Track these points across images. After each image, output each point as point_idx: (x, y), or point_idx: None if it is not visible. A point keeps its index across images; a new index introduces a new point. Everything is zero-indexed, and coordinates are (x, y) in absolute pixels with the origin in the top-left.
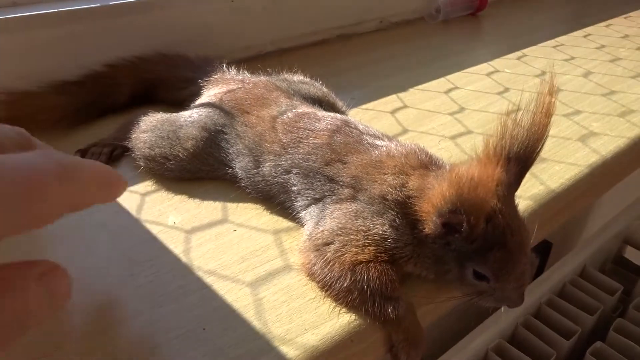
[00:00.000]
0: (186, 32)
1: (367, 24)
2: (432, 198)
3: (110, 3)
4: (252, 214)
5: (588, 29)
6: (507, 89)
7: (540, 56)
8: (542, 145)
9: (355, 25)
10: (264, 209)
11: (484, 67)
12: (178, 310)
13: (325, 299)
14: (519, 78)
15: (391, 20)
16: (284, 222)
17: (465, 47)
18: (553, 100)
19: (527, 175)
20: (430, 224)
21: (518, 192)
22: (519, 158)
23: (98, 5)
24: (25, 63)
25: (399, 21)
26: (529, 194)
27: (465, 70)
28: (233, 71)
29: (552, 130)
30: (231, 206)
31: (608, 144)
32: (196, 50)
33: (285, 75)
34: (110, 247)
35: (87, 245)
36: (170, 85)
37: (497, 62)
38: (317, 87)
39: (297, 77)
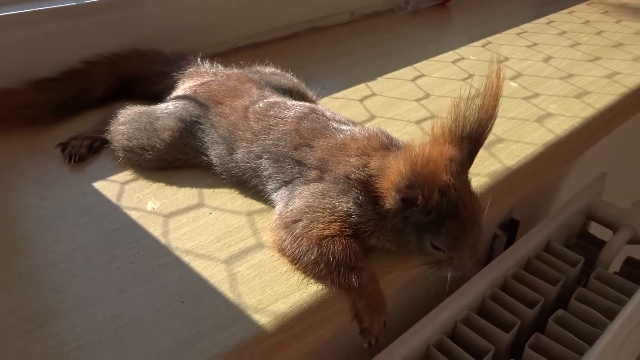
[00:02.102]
0: (161, 28)
1: (338, 17)
2: (391, 175)
3: (85, 2)
4: (226, 198)
5: (551, 16)
6: (471, 75)
7: (504, 43)
8: (492, 125)
9: (326, 18)
10: (238, 193)
11: (450, 55)
12: (158, 287)
13: (294, 272)
14: (483, 65)
15: (362, 12)
16: (257, 205)
17: (434, 37)
18: (500, 84)
19: (486, 154)
20: (390, 200)
21: (477, 170)
22: (471, 138)
23: (73, 4)
24: (3, 61)
25: (370, 13)
26: (486, 171)
27: (432, 59)
28: (207, 65)
29: (512, 112)
30: (207, 192)
31: (563, 124)
32: (171, 45)
33: (257, 68)
34: (92, 233)
35: (71, 231)
36: (145, 79)
37: (463, 50)
38: (288, 78)
39: (269, 69)
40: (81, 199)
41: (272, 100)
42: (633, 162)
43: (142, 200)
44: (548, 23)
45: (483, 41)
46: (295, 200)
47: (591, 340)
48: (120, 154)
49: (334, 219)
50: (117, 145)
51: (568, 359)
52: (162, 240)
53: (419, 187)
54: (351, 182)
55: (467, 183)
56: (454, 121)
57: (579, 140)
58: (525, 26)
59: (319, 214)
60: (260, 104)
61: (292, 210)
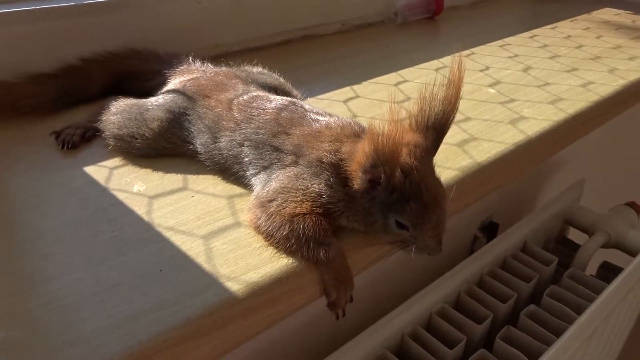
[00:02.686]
0: (156, 30)
1: (330, 26)
2: (357, 157)
3: (84, 2)
4: (209, 183)
5: (535, 31)
6: (452, 82)
7: (487, 54)
8: (454, 115)
9: (319, 27)
10: (221, 179)
11: (434, 64)
12: (139, 257)
13: (268, 247)
14: (464, 73)
15: (353, 23)
16: (237, 189)
17: (420, 46)
18: (462, 76)
19: (459, 151)
20: (357, 180)
21: (449, 164)
22: (435, 127)
23: (72, 4)
24: (3, 56)
25: (361, 24)
26: (457, 165)
27: (417, 66)
28: (198, 63)
29: (487, 115)
30: (191, 177)
31: (534, 126)
32: (166, 47)
33: (246, 67)
34: (80, 210)
35: (59, 209)
36: (139, 76)
37: (447, 59)
38: (274, 77)
39: (256, 69)
40: (71, 181)
41: (255, 94)
42: (612, 170)
43: (129, 183)
44: (531, 37)
45: (467, 52)
46: (272, 183)
47: (560, 334)
48: (111, 142)
49: (306, 199)
50: (108, 133)
51: (536, 350)
52: (146, 218)
53: (382, 165)
54: (323, 165)
55: (432, 169)
56: (419, 111)
57: (549, 142)
58: (509, 39)
59: (292, 194)
60: (245, 97)
61: (267, 191)
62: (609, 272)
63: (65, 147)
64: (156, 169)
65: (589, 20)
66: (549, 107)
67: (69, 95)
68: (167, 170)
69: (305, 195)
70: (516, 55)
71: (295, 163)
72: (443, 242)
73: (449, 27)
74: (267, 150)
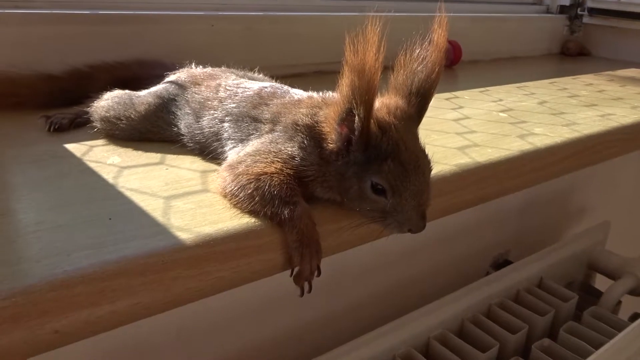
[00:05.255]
0: (167, 46)
1: None
2: (333, 106)
3: (100, 12)
4: (187, 161)
5: (556, 79)
6: (461, 107)
7: (502, 91)
8: (439, 78)
9: (333, 64)
10: (200, 159)
11: (447, 95)
12: (90, 208)
13: (231, 209)
14: (475, 102)
15: None
16: (214, 167)
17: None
18: (444, 35)
19: (459, 153)
20: (333, 136)
21: (446, 161)
22: (419, 92)
23: (88, 12)
24: (16, 54)
25: None
26: (454, 162)
27: None
28: (199, 68)
29: (493, 130)
30: (170, 156)
31: (545, 139)
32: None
33: (247, 72)
34: (48, 171)
35: (27, 170)
36: (142, 80)
37: (460, 92)
38: (273, 82)
39: (257, 74)
40: (49, 152)
41: (245, 80)
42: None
43: (106, 157)
44: (551, 83)
45: (481, 89)
46: (246, 149)
47: None
48: (97, 125)
49: (276, 160)
50: (95, 116)
51: None
52: (111, 181)
53: (357, 102)
54: (298, 127)
55: (415, 135)
56: (401, 77)
57: (559, 157)
58: (527, 83)
59: (263, 156)
60: (234, 82)
61: (239, 156)
62: None
63: (52, 129)
64: (137, 149)
65: (613, 75)
66: (562, 128)
67: (70, 93)
68: (147, 149)
69: (276, 157)
70: (532, 93)
71: (272, 130)
72: (451, 274)
73: (466, 75)
74: (246, 122)
